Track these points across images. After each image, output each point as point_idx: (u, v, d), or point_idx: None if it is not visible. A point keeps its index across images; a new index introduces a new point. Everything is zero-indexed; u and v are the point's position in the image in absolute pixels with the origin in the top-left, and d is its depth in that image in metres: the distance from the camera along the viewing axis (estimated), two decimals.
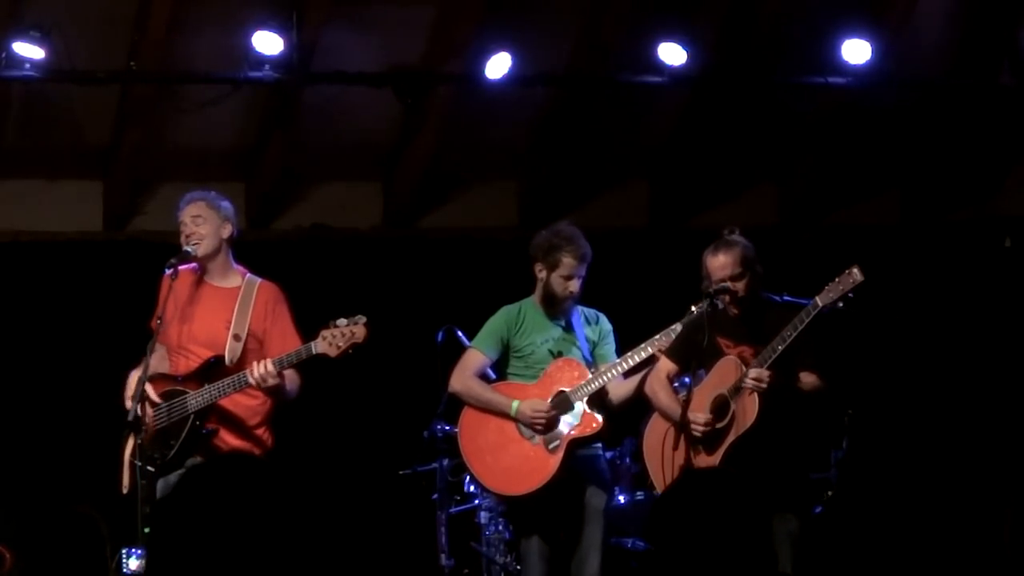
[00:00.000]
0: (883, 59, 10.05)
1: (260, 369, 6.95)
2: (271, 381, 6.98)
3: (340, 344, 6.92)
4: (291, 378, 7.14)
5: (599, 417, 7.57)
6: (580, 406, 7.55)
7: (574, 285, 7.60)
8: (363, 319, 6.95)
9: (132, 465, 7.05)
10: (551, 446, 7.55)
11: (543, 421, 7.52)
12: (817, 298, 6.95)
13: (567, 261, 7.56)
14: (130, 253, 10.05)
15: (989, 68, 10.40)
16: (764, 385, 6.95)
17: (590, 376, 7.57)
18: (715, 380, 7.18)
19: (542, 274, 7.65)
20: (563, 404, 7.57)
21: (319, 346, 6.95)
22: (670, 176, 11.04)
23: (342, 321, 6.95)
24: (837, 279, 6.93)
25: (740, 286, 7.15)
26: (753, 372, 6.98)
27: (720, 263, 7.15)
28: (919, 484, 10.61)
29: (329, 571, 9.87)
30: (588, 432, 7.57)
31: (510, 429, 7.63)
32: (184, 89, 9.87)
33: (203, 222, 7.21)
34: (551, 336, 7.68)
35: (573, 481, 7.56)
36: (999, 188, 11.19)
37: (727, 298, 7.18)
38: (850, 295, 6.88)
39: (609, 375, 7.56)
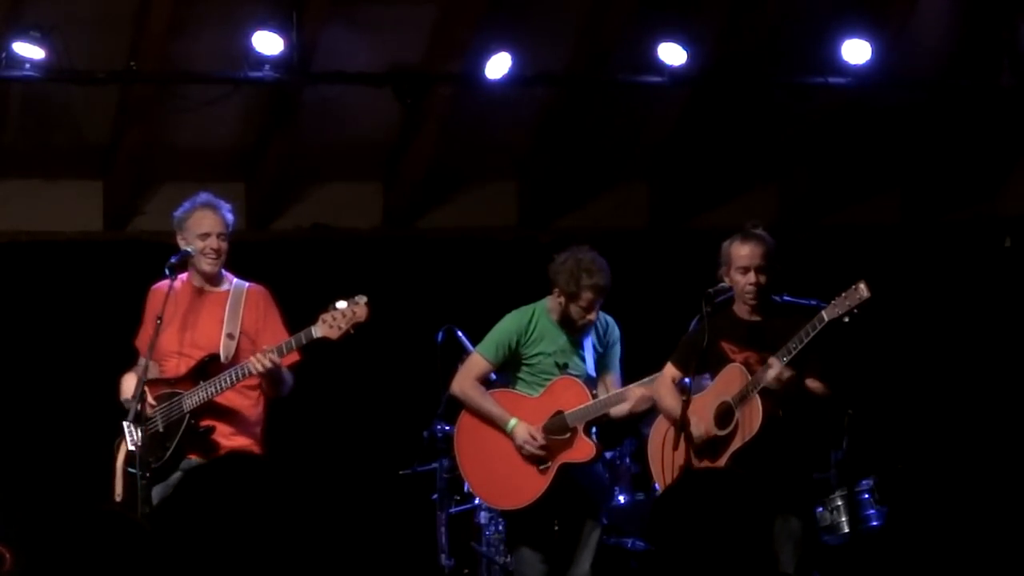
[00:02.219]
0: (883, 59, 10.05)
1: (262, 358, 6.99)
2: (271, 366, 7.00)
3: (341, 326, 6.93)
4: (288, 378, 7.20)
5: (593, 445, 7.55)
6: (576, 430, 7.52)
7: (593, 315, 7.56)
8: (364, 299, 6.97)
9: (125, 472, 7.04)
10: (542, 467, 7.54)
11: (530, 452, 7.50)
12: (824, 312, 6.92)
13: (587, 296, 7.49)
14: (130, 253, 10.04)
15: (989, 68, 10.39)
16: (783, 382, 6.91)
17: (591, 402, 7.53)
18: (720, 387, 7.17)
19: (560, 299, 7.58)
20: (560, 424, 7.55)
21: (319, 330, 6.97)
22: (670, 176, 11.03)
23: (341, 303, 6.96)
24: (844, 294, 6.89)
25: (762, 279, 7.12)
26: (773, 372, 6.92)
27: (747, 252, 7.12)
28: (919, 484, 10.60)
29: (329, 571, 9.86)
30: (581, 459, 7.54)
31: (505, 441, 7.62)
32: (184, 89, 9.87)
33: (225, 238, 7.27)
34: (558, 346, 7.63)
35: (569, 484, 7.56)
36: (999, 188, 11.19)
37: (748, 285, 7.11)
38: (855, 311, 6.86)
39: (609, 404, 7.53)
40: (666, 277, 10.17)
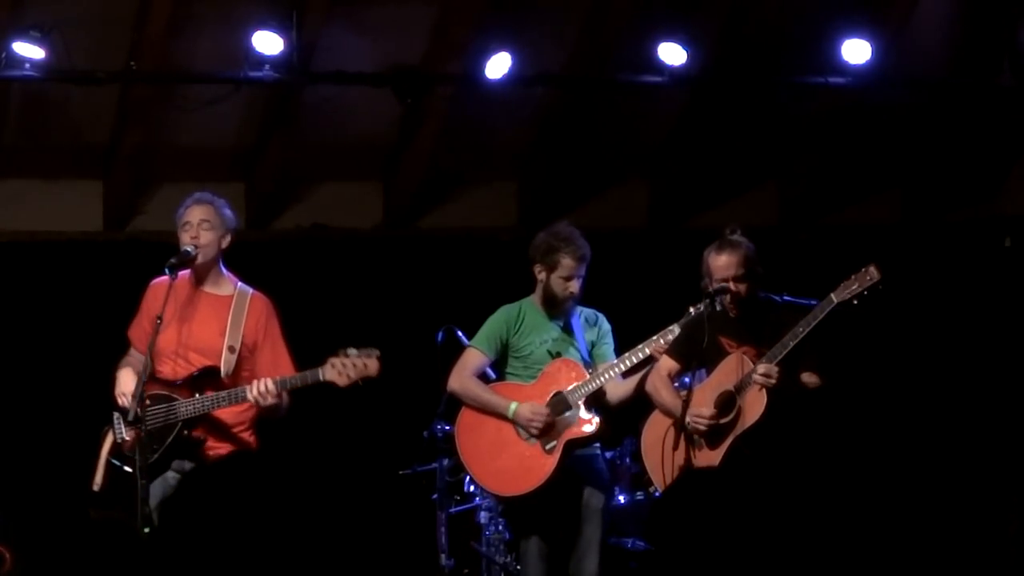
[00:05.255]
0: (883, 59, 10.05)
1: (260, 387, 6.95)
2: (270, 400, 6.98)
3: (351, 375, 6.90)
4: (284, 398, 7.15)
5: (597, 419, 7.56)
6: (578, 407, 7.54)
7: (574, 286, 7.60)
8: (376, 352, 6.92)
9: (108, 463, 7.03)
10: (548, 447, 7.55)
11: (539, 425, 7.51)
12: (832, 295, 6.93)
13: (566, 262, 7.56)
14: (130, 253, 10.04)
15: (989, 68, 10.40)
16: (773, 381, 6.93)
17: (588, 377, 7.56)
18: (720, 377, 7.17)
19: (541, 275, 7.65)
20: (560, 405, 7.56)
21: (328, 373, 6.93)
22: (670, 176, 11.04)
23: (353, 351, 6.92)
24: (854, 276, 6.90)
25: (742, 288, 7.14)
26: (762, 368, 6.96)
27: (723, 263, 7.14)
28: (920, 483, 10.60)
29: (330, 571, 9.87)
30: (586, 434, 7.56)
31: (507, 430, 7.63)
32: (184, 89, 9.87)
33: (209, 228, 7.19)
34: (550, 336, 7.68)
35: (572, 481, 7.56)
36: (999, 188, 11.18)
37: (727, 298, 7.17)
38: (865, 293, 6.87)
39: (607, 376, 7.56)
40: (665, 277, 10.15)
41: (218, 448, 7.07)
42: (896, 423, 10.66)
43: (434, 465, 8.54)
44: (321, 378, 6.95)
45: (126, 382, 7.07)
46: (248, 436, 7.17)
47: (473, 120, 10.39)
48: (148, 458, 6.93)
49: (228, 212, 7.31)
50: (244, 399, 6.99)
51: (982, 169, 11.12)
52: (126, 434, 6.98)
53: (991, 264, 10.94)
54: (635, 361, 7.52)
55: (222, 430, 7.10)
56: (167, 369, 7.15)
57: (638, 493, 8.64)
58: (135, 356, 7.24)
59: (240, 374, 7.10)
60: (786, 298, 7.25)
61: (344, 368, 6.90)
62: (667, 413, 7.31)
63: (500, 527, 8.43)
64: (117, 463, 6.99)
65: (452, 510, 8.57)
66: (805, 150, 10.95)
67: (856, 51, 9.95)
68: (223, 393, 7.02)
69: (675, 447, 7.22)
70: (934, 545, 10.43)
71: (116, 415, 7.05)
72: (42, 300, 10.11)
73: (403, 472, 8.85)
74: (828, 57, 10.00)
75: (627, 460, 8.72)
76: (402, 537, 9.56)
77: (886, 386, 10.59)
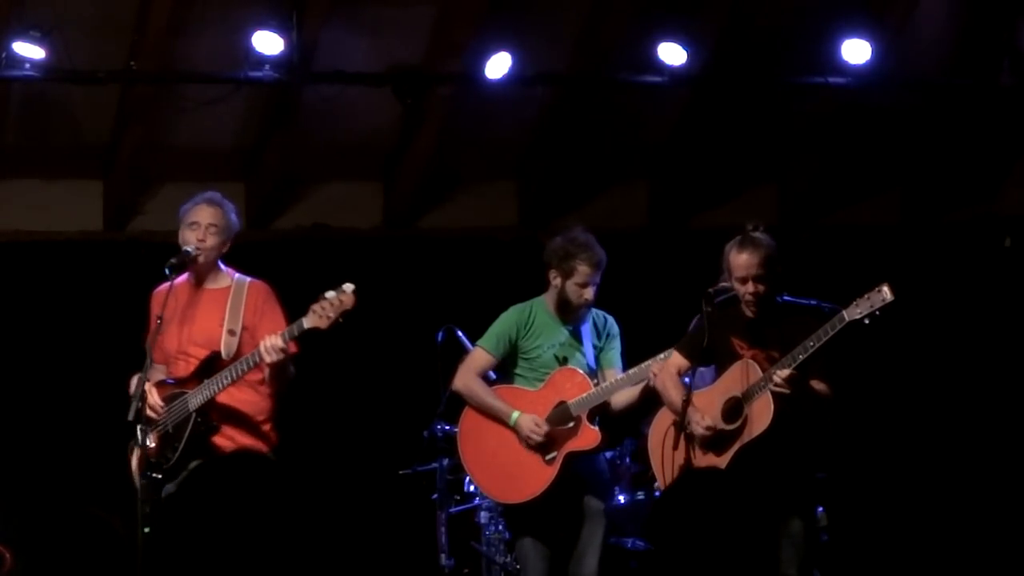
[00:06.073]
0: (883, 59, 10.05)
1: (266, 344, 6.94)
2: (277, 355, 6.94)
3: (330, 315, 6.89)
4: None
5: (598, 432, 7.53)
6: (580, 419, 7.51)
7: (589, 293, 7.55)
8: (351, 287, 6.92)
9: (141, 483, 7.01)
10: (548, 457, 7.52)
11: (538, 440, 7.50)
12: (844, 312, 6.86)
13: (582, 269, 7.51)
14: (130, 253, 10.06)
15: (989, 68, 10.40)
16: (788, 388, 6.89)
17: (593, 389, 7.52)
18: (727, 383, 7.13)
19: (556, 281, 7.59)
20: (563, 414, 7.54)
21: (308, 320, 6.93)
22: (670, 176, 11.04)
23: (330, 293, 6.93)
24: (867, 295, 6.84)
25: (761, 288, 7.08)
26: (784, 372, 6.90)
27: (744, 262, 7.08)
28: (920, 484, 10.60)
29: (330, 570, 9.87)
30: (587, 447, 7.52)
31: (509, 436, 7.60)
32: (184, 89, 9.88)
33: (216, 232, 7.20)
34: (558, 341, 7.63)
35: (573, 481, 7.55)
36: (999, 188, 11.19)
37: (747, 294, 7.09)
38: (877, 313, 6.83)
39: (611, 390, 7.52)
40: (666, 277, 10.17)
41: (239, 441, 7.08)
42: (896, 423, 10.66)
43: (434, 465, 8.55)
44: (304, 326, 6.93)
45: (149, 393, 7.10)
46: (267, 428, 7.19)
47: (473, 120, 10.40)
48: (169, 459, 6.97)
49: (234, 217, 7.35)
50: (245, 371, 6.99)
51: (981, 169, 11.12)
52: (150, 440, 7.00)
53: (991, 264, 10.95)
54: (640, 377, 7.48)
55: (241, 422, 7.11)
56: (177, 370, 7.19)
57: (638, 493, 8.64)
58: (155, 368, 7.24)
59: (242, 356, 7.11)
60: (786, 298, 7.23)
61: (323, 311, 6.90)
62: (674, 411, 7.29)
63: (500, 527, 8.43)
64: (149, 473, 6.99)
65: (452, 510, 8.57)
66: (805, 150, 10.96)
67: (856, 51, 9.96)
68: (224, 372, 7.03)
69: (675, 447, 7.20)
70: (933, 546, 10.43)
71: (139, 426, 7.03)
72: (42, 300, 10.12)
73: (403, 472, 8.85)
74: (828, 57, 10.01)
75: (627, 460, 8.72)
76: (402, 537, 9.56)
77: (887, 386, 10.59)
